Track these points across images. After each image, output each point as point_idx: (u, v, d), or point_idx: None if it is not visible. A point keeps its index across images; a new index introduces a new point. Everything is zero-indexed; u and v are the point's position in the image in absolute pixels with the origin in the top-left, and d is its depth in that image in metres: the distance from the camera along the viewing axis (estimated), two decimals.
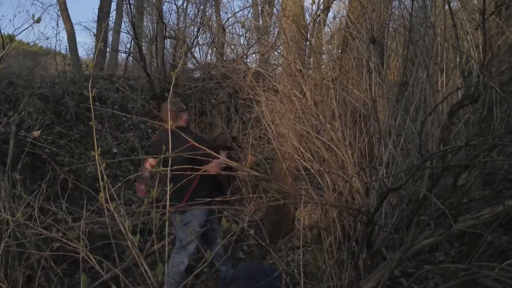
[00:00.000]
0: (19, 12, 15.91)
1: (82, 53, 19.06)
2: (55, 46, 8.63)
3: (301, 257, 3.69)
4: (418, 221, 2.16)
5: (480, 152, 1.87)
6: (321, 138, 2.10)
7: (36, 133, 3.83)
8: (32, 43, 14.10)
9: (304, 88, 2.06)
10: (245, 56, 8.23)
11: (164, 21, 7.43)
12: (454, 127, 1.93)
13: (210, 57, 8.98)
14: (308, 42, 4.58)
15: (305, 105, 2.06)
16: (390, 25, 3.49)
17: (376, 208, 1.72)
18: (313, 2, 4.40)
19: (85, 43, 29.58)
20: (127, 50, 12.31)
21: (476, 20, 2.37)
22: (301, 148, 2.86)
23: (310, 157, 2.73)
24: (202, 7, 7.63)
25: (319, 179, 2.86)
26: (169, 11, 27.28)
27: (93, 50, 11.67)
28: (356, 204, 2.32)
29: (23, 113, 4.46)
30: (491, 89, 1.70)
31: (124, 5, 9.04)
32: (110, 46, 9.46)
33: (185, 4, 10.21)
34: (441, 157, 1.90)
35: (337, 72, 2.21)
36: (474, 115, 1.89)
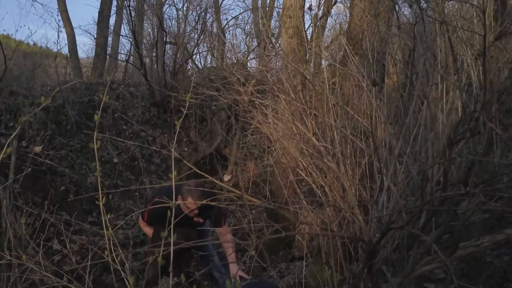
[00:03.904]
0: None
1: (82, 54, 19.05)
2: (56, 47, 8.59)
3: (303, 269, 3.71)
4: (419, 245, 2.18)
5: (481, 182, 1.88)
6: (322, 166, 2.11)
7: (38, 149, 3.84)
8: (33, 43, 14.08)
9: (305, 118, 2.07)
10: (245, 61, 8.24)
11: (165, 27, 7.44)
12: (455, 159, 1.94)
13: (210, 62, 8.98)
14: (308, 46, 4.60)
15: (306, 134, 2.07)
16: (393, 38, 3.49)
17: (377, 242, 1.74)
18: (310, 9, 4.40)
19: (85, 44, 29.61)
20: (127, 53, 12.30)
21: (476, 47, 2.38)
22: (302, 162, 2.88)
23: (311, 173, 2.75)
24: (203, 14, 7.63)
25: (319, 195, 2.87)
26: (169, 18, 27.15)
27: (93, 51, 11.61)
28: (357, 226, 2.33)
29: (26, 116, 4.47)
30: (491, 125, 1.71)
31: (124, 12, 9.02)
32: (109, 54, 9.42)
33: (185, 8, 10.23)
34: (442, 188, 1.91)
35: (338, 98, 2.23)
36: (474, 146, 1.90)
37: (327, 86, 2.10)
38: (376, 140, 2.31)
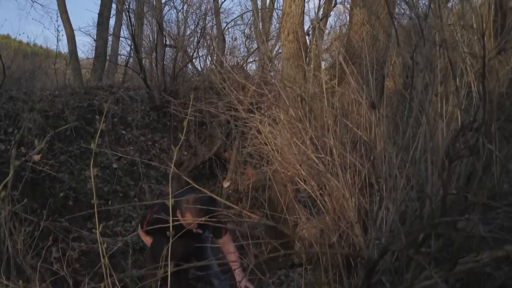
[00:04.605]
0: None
1: (81, 55, 18.97)
2: (56, 50, 8.55)
3: (302, 278, 3.71)
4: (418, 261, 2.17)
5: (479, 199, 1.87)
6: (321, 178, 2.11)
7: (37, 157, 3.84)
8: (33, 43, 14.06)
9: (304, 136, 2.07)
10: (245, 64, 8.22)
11: (165, 29, 7.42)
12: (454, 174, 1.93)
13: (209, 64, 8.95)
14: (308, 51, 4.59)
15: (306, 152, 2.07)
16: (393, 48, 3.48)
17: (376, 261, 1.73)
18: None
19: (85, 44, 29.72)
20: (127, 54, 12.28)
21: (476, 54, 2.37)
22: (301, 171, 2.88)
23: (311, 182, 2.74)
24: (203, 17, 7.61)
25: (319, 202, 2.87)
26: (169, 22, 27.17)
27: (93, 52, 11.56)
28: (355, 240, 2.32)
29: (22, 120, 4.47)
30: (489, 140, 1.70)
31: (124, 17, 8.99)
32: (109, 59, 9.38)
33: (185, 9, 10.20)
34: (441, 203, 1.90)
35: (337, 111, 2.22)
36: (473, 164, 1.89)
37: (325, 99, 2.09)
38: (375, 152, 2.30)
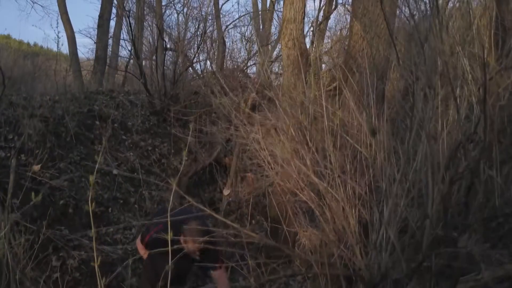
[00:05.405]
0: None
1: (81, 55, 18.97)
2: (56, 54, 8.51)
3: None
4: (419, 277, 2.16)
5: (480, 218, 1.86)
6: (323, 201, 2.10)
7: (37, 168, 3.84)
8: (33, 43, 14.04)
9: (304, 154, 2.06)
10: (245, 67, 8.21)
11: (165, 30, 7.42)
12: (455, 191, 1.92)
13: (209, 66, 8.94)
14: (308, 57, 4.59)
15: (305, 173, 2.06)
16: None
17: (376, 284, 1.72)
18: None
19: (85, 45, 29.95)
20: (127, 57, 12.27)
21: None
22: (300, 182, 2.87)
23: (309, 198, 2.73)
24: (203, 20, 7.60)
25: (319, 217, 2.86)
26: (169, 26, 27.24)
27: (93, 53, 11.54)
28: (356, 259, 2.31)
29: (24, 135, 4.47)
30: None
31: (124, 21, 8.99)
32: (109, 65, 9.36)
33: (185, 11, 10.20)
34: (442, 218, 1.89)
35: (337, 125, 2.21)
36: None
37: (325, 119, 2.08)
38: (375, 168, 2.29)
